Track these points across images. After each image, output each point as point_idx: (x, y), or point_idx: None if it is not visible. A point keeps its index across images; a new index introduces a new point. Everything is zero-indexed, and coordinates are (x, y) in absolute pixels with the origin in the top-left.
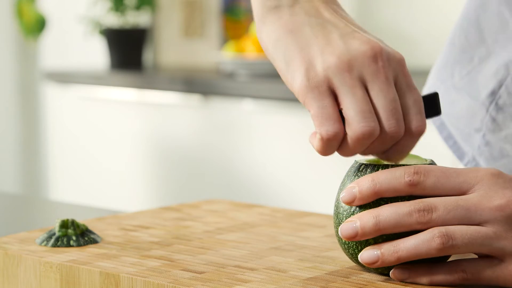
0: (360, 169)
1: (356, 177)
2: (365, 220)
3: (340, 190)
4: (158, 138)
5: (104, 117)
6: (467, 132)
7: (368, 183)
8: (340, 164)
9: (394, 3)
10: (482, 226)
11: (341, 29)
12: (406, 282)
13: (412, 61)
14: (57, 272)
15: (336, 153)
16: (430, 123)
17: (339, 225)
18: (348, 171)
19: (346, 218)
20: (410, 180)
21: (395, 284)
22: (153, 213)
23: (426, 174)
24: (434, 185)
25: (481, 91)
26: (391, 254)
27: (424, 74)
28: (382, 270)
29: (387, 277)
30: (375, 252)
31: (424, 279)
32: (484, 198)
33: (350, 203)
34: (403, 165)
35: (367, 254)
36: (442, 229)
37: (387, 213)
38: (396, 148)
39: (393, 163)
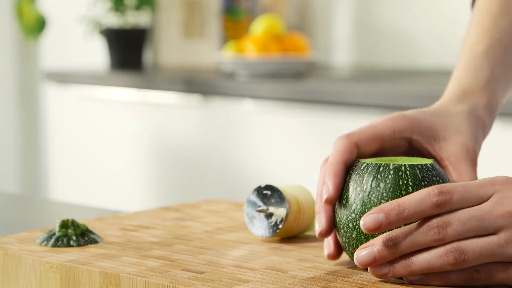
0: (362, 168)
1: (358, 176)
2: (379, 244)
3: (345, 191)
4: (158, 138)
5: (104, 117)
6: None
7: (395, 209)
8: None
9: (394, 3)
10: (495, 234)
11: None
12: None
13: (412, 61)
14: (57, 272)
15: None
16: None
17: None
18: (351, 171)
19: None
20: (437, 201)
21: (395, 284)
22: (153, 213)
23: (450, 193)
24: (460, 201)
25: None
26: (404, 268)
27: (424, 74)
28: None
29: (388, 277)
30: (386, 269)
31: (438, 281)
32: (497, 205)
33: (375, 230)
34: (413, 165)
35: (379, 269)
36: (455, 244)
37: (402, 234)
38: None
39: (395, 162)
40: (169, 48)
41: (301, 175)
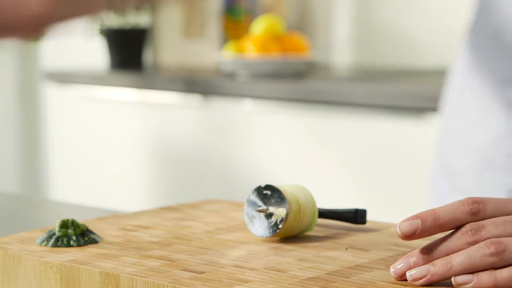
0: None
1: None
2: (415, 255)
3: None
4: (158, 138)
5: (104, 117)
6: None
7: (430, 216)
8: (340, 164)
9: (394, 3)
10: None
11: None
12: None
13: (412, 61)
14: (57, 272)
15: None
16: None
17: None
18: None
19: None
20: (471, 209)
21: (395, 284)
22: (153, 213)
23: (484, 202)
24: (493, 211)
25: None
26: (445, 265)
27: (424, 74)
28: None
29: (387, 277)
30: (425, 270)
31: (488, 279)
32: None
33: (411, 235)
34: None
35: (418, 272)
36: (490, 239)
37: (438, 243)
38: None
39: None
40: (169, 48)
41: (301, 175)
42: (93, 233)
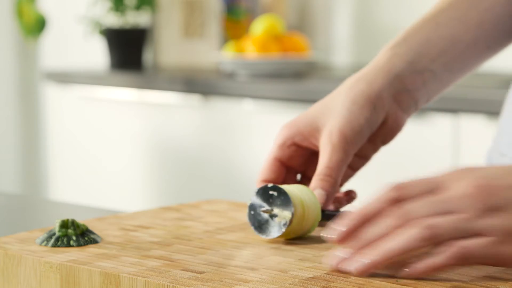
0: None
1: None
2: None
3: None
4: (158, 138)
5: (104, 117)
6: None
7: (359, 211)
8: None
9: (394, 3)
10: (460, 213)
11: None
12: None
13: None
14: (57, 272)
15: None
16: None
17: None
18: None
19: None
20: (392, 196)
21: (394, 284)
22: (153, 213)
23: (403, 188)
24: (415, 194)
25: None
26: (378, 255)
27: None
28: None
29: (387, 277)
30: (364, 259)
31: (425, 268)
32: (456, 189)
33: (342, 240)
34: None
35: (351, 262)
36: (422, 221)
37: (371, 228)
38: None
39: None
40: (169, 48)
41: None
42: (93, 233)
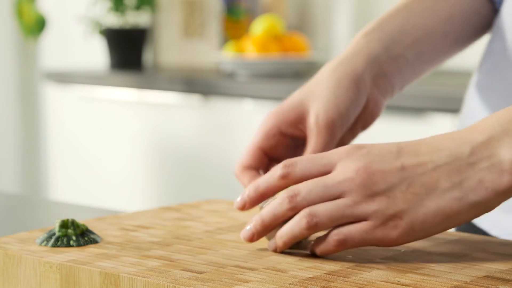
0: None
1: None
2: (254, 221)
3: None
4: (158, 138)
5: (104, 117)
6: None
7: (253, 186)
8: None
9: (394, 3)
10: (341, 198)
11: None
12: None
13: None
14: (57, 272)
15: None
16: None
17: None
18: None
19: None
20: (281, 173)
21: (394, 284)
22: (153, 213)
23: (293, 165)
24: (303, 172)
25: None
26: (280, 238)
27: None
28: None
29: (387, 277)
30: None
31: (308, 251)
32: (339, 172)
33: (242, 207)
34: None
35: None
36: (307, 209)
37: (266, 209)
38: None
39: None
40: (169, 48)
41: None
42: (93, 233)
